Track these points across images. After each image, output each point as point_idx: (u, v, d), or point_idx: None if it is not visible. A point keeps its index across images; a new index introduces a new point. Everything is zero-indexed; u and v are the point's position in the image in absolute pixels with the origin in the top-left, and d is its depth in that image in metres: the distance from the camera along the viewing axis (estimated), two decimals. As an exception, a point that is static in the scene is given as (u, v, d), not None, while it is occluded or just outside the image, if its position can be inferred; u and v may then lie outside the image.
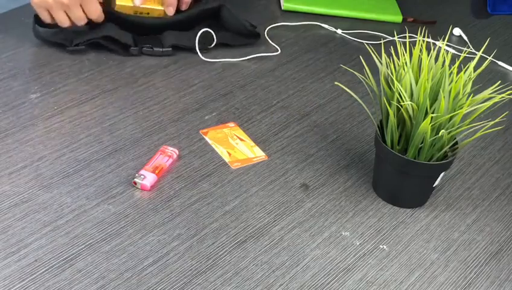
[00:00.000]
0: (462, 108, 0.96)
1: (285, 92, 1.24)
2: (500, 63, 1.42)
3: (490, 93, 0.98)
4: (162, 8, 1.26)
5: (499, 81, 1.03)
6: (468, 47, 1.44)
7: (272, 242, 0.96)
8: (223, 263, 0.91)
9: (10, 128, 1.06)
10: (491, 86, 0.99)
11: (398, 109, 0.98)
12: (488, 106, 0.98)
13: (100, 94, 1.16)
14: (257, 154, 1.10)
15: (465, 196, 1.09)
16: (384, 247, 0.98)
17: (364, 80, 1.03)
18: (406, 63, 0.98)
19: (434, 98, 0.97)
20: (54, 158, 1.02)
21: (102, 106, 1.13)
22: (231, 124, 1.15)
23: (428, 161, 0.99)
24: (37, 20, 1.21)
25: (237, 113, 1.17)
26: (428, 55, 0.98)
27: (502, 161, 1.17)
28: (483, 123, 0.99)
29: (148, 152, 1.06)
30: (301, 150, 1.12)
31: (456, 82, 0.96)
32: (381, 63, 1.01)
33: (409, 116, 0.97)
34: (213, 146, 1.09)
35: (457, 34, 1.49)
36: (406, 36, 1.21)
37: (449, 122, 0.97)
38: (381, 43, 1.31)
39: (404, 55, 0.99)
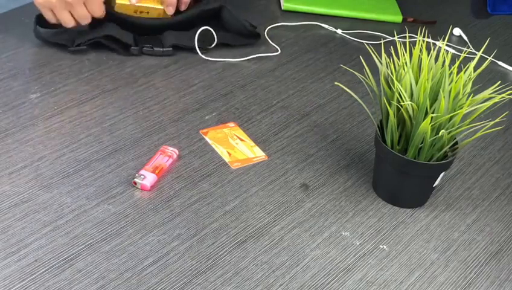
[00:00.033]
0: (462, 108, 0.96)
1: (285, 92, 1.24)
2: (500, 63, 1.42)
3: (490, 93, 0.98)
4: (162, 7, 1.26)
5: (499, 81, 1.03)
6: (468, 47, 1.44)
7: (272, 242, 0.96)
8: (223, 263, 0.91)
9: (10, 128, 1.06)
10: (491, 86, 0.99)
11: (398, 109, 0.98)
12: (488, 106, 0.98)
13: (100, 94, 1.16)
14: (257, 154, 1.10)
15: (465, 196, 1.09)
16: (384, 247, 0.98)
17: (364, 80, 1.03)
18: (406, 63, 0.98)
19: (434, 98, 0.97)
20: (54, 158, 1.02)
21: (102, 106, 1.13)
22: (231, 124, 1.15)
23: (428, 161, 0.99)
24: (38, 20, 1.21)
25: (237, 113, 1.17)
26: (428, 55, 0.98)
27: (502, 161, 1.17)
28: (483, 123, 0.99)
29: (148, 152, 1.06)
30: (301, 150, 1.12)
31: (456, 82, 0.96)
32: (381, 63, 1.01)
33: (409, 116, 0.97)
34: (213, 146, 1.09)
35: (457, 34, 1.49)
36: (406, 36, 1.21)
37: (449, 122, 0.97)
38: (381, 43, 1.31)
39: (404, 55, 0.99)
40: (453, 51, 1.29)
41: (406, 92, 0.96)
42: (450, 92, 0.95)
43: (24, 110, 1.10)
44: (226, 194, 1.01)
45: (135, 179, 0.99)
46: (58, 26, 1.21)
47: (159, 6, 1.26)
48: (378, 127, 1.02)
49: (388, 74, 1.00)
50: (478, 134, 0.99)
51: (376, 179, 1.06)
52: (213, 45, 1.29)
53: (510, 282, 0.96)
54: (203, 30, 1.27)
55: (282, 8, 1.48)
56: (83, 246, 0.90)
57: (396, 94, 0.97)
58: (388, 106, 0.98)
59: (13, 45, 1.23)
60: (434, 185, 1.03)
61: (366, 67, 1.03)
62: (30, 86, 1.15)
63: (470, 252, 0.99)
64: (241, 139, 1.12)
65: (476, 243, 1.01)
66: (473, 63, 0.99)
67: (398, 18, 1.50)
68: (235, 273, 0.90)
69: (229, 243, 0.94)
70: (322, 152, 1.12)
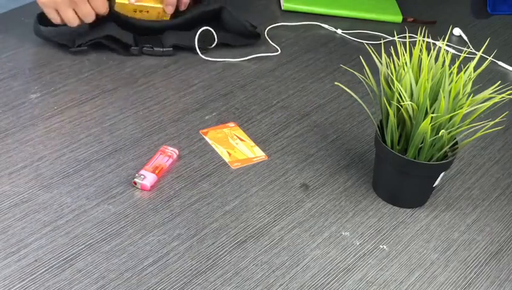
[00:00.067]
0: (462, 108, 0.96)
1: (285, 92, 1.24)
2: (500, 63, 1.42)
3: (490, 93, 0.98)
4: (161, 6, 1.26)
5: (499, 81, 1.03)
6: (468, 47, 1.44)
7: (272, 242, 0.96)
8: (223, 263, 0.91)
9: (10, 128, 1.06)
10: (491, 86, 0.99)
11: (398, 109, 0.98)
12: (488, 106, 0.98)
13: (100, 94, 1.16)
14: (257, 154, 1.10)
15: (465, 196, 1.09)
16: (384, 247, 0.98)
17: (364, 80, 1.03)
18: (406, 63, 0.98)
19: (434, 98, 0.97)
20: (54, 158, 1.02)
21: (102, 106, 1.13)
22: (231, 124, 1.15)
23: (428, 161, 0.99)
24: (40, 19, 1.21)
25: (237, 113, 1.17)
26: (428, 55, 0.98)
27: (502, 161, 1.17)
28: (483, 123, 0.99)
29: (148, 152, 1.06)
30: (301, 150, 1.12)
31: (456, 82, 0.96)
32: (381, 63, 1.01)
33: (409, 116, 0.97)
34: (213, 146, 1.09)
35: (457, 34, 1.49)
36: (406, 36, 1.21)
37: (449, 122, 0.97)
38: (381, 43, 1.31)
39: (404, 55, 0.99)
40: (453, 51, 1.29)
41: (406, 92, 0.96)
42: (450, 92, 0.95)
43: (24, 110, 1.10)
44: (226, 194, 1.01)
45: (135, 179, 0.99)
46: (60, 26, 1.21)
47: (159, 5, 1.26)
48: (378, 127, 1.02)
49: (388, 74, 1.00)
50: (478, 134, 0.99)
51: (376, 179, 1.06)
52: (213, 45, 1.29)
53: (510, 282, 0.96)
54: (203, 30, 1.27)
55: (282, 8, 1.48)
56: (83, 246, 0.90)
57: (396, 94, 0.97)
58: (388, 106, 0.98)
59: (13, 45, 1.23)
60: (434, 185, 1.03)
61: (366, 67, 1.03)
62: (30, 86, 1.15)
63: (470, 252, 0.99)
64: (241, 139, 1.12)
65: (476, 243, 1.01)
66: (473, 63, 0.99)
67: (398, 18, 1.50)
68: (235, 273, 0.90)
69: (229, 243, 0.94)
70: (322, 152, 1.12)
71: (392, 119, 0.98)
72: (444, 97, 0.94)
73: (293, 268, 0.92)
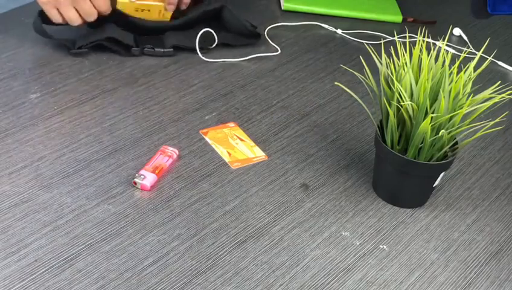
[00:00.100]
0: (462, 108, 0.96)
1: (285, 92, 1.24)
2: (500, 63, 1.42)
3: (490, 93, 0.98)
4: (162, 4, 1.26)
5: (499, 81, 1.03)
6: (468, 47, 1.44)
7: (272, 242, 0.96)
8: (223, 263, 0.91)
9: (10, 128, 1.06)
10: (491, 86, 0.99)
11: (398, 109, 0.98)
12: (488, 106, 0.98)
13: (100, 94, 1.16)
14: (257, 154, 1.10)
15: (465, 196, 1.09)
16: (384, 247, 0.98)
17: (364, 80, 1.03)
18: (406, 63, 0.98)
19: (434, 98, 0.97)
20: (54, 158, 1.02)
21: (102, 106, 1.14)
22: (231, 124, 1.15)
23: (428, 161, 0.99)
24: (42, 17, 1.20)
25: (237, 113, 1.17)
26: (428, 55, 0.98)
27: (502, 161, 1.17)
28: (483, 123, 0.99)
29: (148, 152, 1.06)
30: (301, 150, 1.12)
31: (456, 82, 0.96)
32: (381, 63, 1.01)
33: (409, 116, 0.97)
34: (213, 146, 1.09)
35: (457, 34, 1.49)
36: (406, 36, 1.21)
37: (449, 122, 0.97)
38: (381, 43, 1.31)
39: (404, 55, 0.99)
40: (453, 51, 1.29)
41: (406, 92, 0.96)
42: (450, 92, 0.95)
43: (24, 110, 1.10)
44: (226, 194, 1.01)
45: (135, 179, 0.99)
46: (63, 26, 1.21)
47: (159, 3, 1.26)
48: (378, 127, 1.02)
49: (388, 74, 1.00)
50: (478, 134, 0.99)
51: (376, 179, 1.06)
52: (214, 45, 1.29)
53: (510, 282, 0.96)
54: (203, 31, 1.27)
55: (282, 8, 1.48)
56: (83, 246, 0.90)
57: (396, 94, 0.97)
58: (388, 106, 0.98)
59: (13, 45, 1.23)
60: (434, 185, 1.03)
61: (366, 67, 1.03)
62: (30, 86, 1.15)
63: (470, 252, 0.99)
64: (241, 139, 1.12)
65: (476, 243, 1.01)
66: (473, 63, 0.99)
67: (398, 18, 1.50)
68: (235, 273, 0.90)
69: (229, 243, 0.94)
70: (322, 152, 1.12)
71: (392, 119, 0.98)
72: (444, 97, 0.94)
73: (293, 268, 0.92)
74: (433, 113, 0.95)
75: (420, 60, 0.99)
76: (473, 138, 1.00)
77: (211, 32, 1.27)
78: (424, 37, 1.03)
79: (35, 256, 0.88)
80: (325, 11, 1.49)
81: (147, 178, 1.00)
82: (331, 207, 1.03)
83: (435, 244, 1.00)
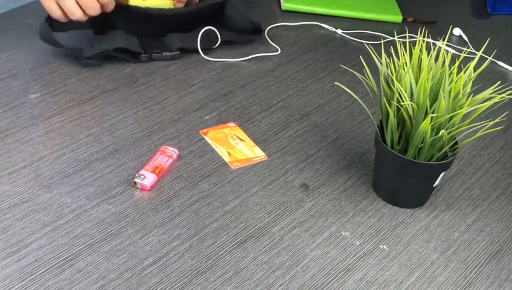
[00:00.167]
0: (462, 108, 0.96)
1: (285, 92, 1.24)
2: (500, 63, 1.42)
3: (490, 93, 0.98)
4: (172, 1, 1.26)
5: (499, 81, 1.03)
6: (468, 47, 1.44)
7: (272, 242, 0.96)
8: (223, 263, 0.91)
9: (10, 128, 1.06)
10: (491, 86, 0.99)
11: (398, 109, 0.98)
12: (488, 106, 0.98)
13: (100, 94, 1.16)
14: (257, 154, 1.10)
15: (465, 196, 1.09)
16: (384, 247, 0.98)
17: (364, 80, 1.03)
18: (406, 63, 0.98)
19: (434, 98, 0.97)
20: (54, 158, 1.02)
21: (102, 106, 1.13)
22: (231, 124, 1.15)
23: (428, 161, 0.99)
24: (51, 24, 1.18)
25: (237, 113, 1.17)
26: (428, 55, 0.98)
27: (502, 161, 1.17)
28: (483, 123, 0.99)
29: (148, 152, 1.06)
30: (301, 150, 1.12)
31: (456, 82, 0.96)
32: (381, 63, 1.01)
33: (409, 116, 0.97)
34: (213, 146, 1.09)
35: (457, 34, 1.49)
36: (406, 36, 1.21)
37: (449, 122, 0.97)
38: (381, 43, 1.31)
39: (404, 55, 0.99)
40: (453, 51, 1.29)
41: (406, 92, 0.96)
42: (450, 92, 0.95)
43: (24, 110, 1.10)
44: (226, 194, 1.01)
45: (135, 179, 0.99)
46: (67, 27, 1.20)
47: (169, 2, 1.26)
48: (378, 127, 1.02)
49: (388, 74, 1.00)
50: (478, 134, 0.99)
51: (376, 179, 1.06)
52: (217, 44, 1.28)
53: (510, 282, 0.96)
54: (206, 30, 1.27)
55: (282, 8, 1.48)
56: (83, 246, 0.90)
57: (396, 94, 0.97)
58: (388, 106, 0.98)
59: (13, 45, 1.23)
60: (434, 185, 1.03)
61: (366, 67, 1.03)
62: (30, 86, 1.15)
63: (470, 252, 0.99)
64: (241, 139, 1.12)
65: (476, 243, 1.01)
66: (473, 63, 0.99)
67: (398, 18, 1.50)
68: (235, 273, 0.90)
69: (229, 243, 0.94)
70: (322, 152, 1.12)
71: (392, 119, 0.98)
72: (444, 97, 0.94)
73: (293, 268, 0.92)
74: (433, 113, 0.95)
75: (420, 60, 0.99)
76: (473, 138, 1.00)
77: (213, 31, 1.27)
78: (424, 37, 1.03)
79: (35, 256, 0.88)
80: (325, 11, 1.49)
81: (147, 178, 1.00)
82: (331, 207, 1.03)
83: (435, 244, 1.00)
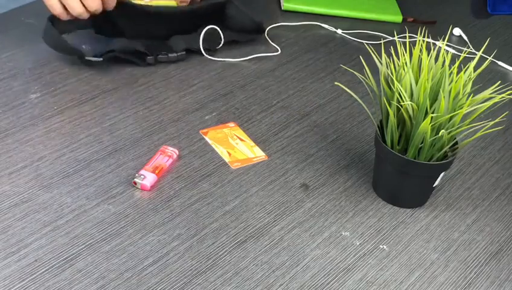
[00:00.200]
0: (462, 108, 0.96)
1: (285, 92, 1.24)
2: (500, 63, 1.42)
3: (490, 93, 0.98)
4: (175, 3, 1.26)
5: (499, 81, 1.03)
6: (468, 47, 1.44)
7: (272, 242, 0.96)
8: (223, 263, 0.91)
9: (10, 128, 1.06)
10: (491, 86, 0.99)
11: (398, 109, 0.98)
12: (488, 106, 0.98)
13: (100, 94, 1.16)
14: (257, 154, 1.10)
15: (465, 196, 1.09)
16: (384, 247, 0.98)
17: (364, 80, 1.03)
18: (406, 63, 0.98)
19: (434, 98, 0.97)
20: (54, 158, 1.02)
21: (102, 106, 1.13)
22: (231, 124, 1.15)
23: (428, 161, 0.99)
24: (56, 26, 1.17)
25: (237, 113, 1.17)
26: (428, 55, 0.98)
27: (502, 161, 1.17)
28: (483, 123, 0.99)
29: (148, 152, 1.06)
30: (301, 150, 1.12)
31: (456, 82, 0.96)
32: (381, 63, 1.01)
33: (409, 116, 0.97)
34: (213, 146, 1.09)
35: (457, 34, 1.49)
36: (406, 36, 1.21)
37: (449, 122, 0.97)
38: (381, 43, 1.31)
39: (404, 55, 0.99)
40: (453, 51, 1.29)
41: (406, 92, 0.96)
42: (450, 92, 0.95)
43: (24, 110, 1.10)
44: (226, 194, 1.01)
45: (135, 179, 0.99)
46: (68, 29, 1.19)
47: (172, 2, 1.26)
48: (378, 127, 1.02)
49: (388, 74, 1.00)
50: (478, 134, 0.99)
51: (376, 179, 1.06)
52: (221, 45, 1.28)
53: (510, 282, 0.96)
54: (208, 31, 1.26)
55: (282, 8, 1.48)
56: (83, 246, 0.90)
57: (396, 94, 0.97)
58: (388, 106, 0.98)
59: (13, 45, 1.23)
60: (434, 185, 1.03)
61: (366, 67, 1.03)
62: (30, 86, 1.15)
63: (470, 252, 0.99)
64: (241, 139, 1.12)
65: (476, 243, 1.01)
66: (473, 63, 0.99)
67: (398, 18, 1.50)
68: (235, 273, 0.90)
69: (229, 243, 0.94)
70: (322, 152, 1.12)
71: (392, 119, 0.98)
72: (444, 97, 0.94)
73: (293, 268, 0.92)
74: (433, 113, 0.95)
75: (420, 60, 0.99)
76: (473, 138, 1.00)
77: (216, 32, 1.27)
78: (424, 37, 1.03)
79: (35, 256, 0.88)
80: (325, 11, 1.49)
81: (147, 178, 1.00)
82: (331, 207, 1.03)
83: (435, 244, 1.00)
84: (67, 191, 0.97)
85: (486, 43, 1.12)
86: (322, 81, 1.29)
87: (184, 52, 1.25)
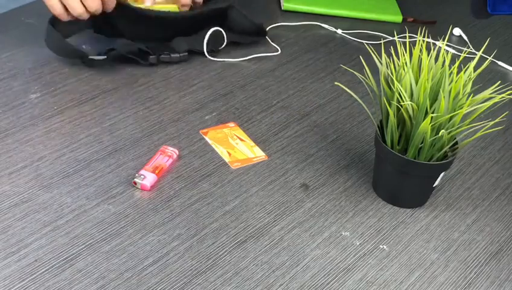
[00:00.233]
0: (462, 108, 0.96)
1: (285, 92, 1.24)
2: (500, 63, 1.42)
3: (490, 93, 0.98)
4: (176, 7, 1.26)
5: (499, 81, 1.03)
6: (468, 47, 1.44)
7: (272, 242, 0.96)
8: (223, 263, 0.91)
9: (10, 128, 1.06)
10: (491, 86, 0.99)
11: (398, 109, 0.98)
12: (488, 106, 0.98)
13: (100, 94, 1.16)
14: (257, 154, 1.10)
15: (465, 196, 1.09)
16: (384, 247, 0.98)
17: (364, 80, 1.03)
18: (406, 63, 0.98)
19: (434, 98, 0.97)
20: (54, 158, 1.02)
21: (102, 106, 1.13)
22: (231, 124, 1.15)
23: (428, 161, 0.99)
24: (54, 26, 1.17)
25: (237, 113, 1.17)
26: (428, 55, 0.98)
27: (502, 161, 1.17)
28: (483, 123, 0.99)
29: (148, 152, 1.06)
30: (301, 150, 1.12)
31: (456, 82, 0.96)
32: (381, 63, 1.01)
33: (409, 116, 0.97)
34: (213, 146, 1.09)
35: (457, 34, 1.49)
36: (406, 36, 1.21)
37: (449, 122, 0.97)
38: (381, 43, 1.31)
39: (404, 55, 0.99)
40: (453, 51, 1.29)
41: (406, 92, 0.96)
42: (450, 92, 0.95)
43: (24, 110, 1.10)
44: (226, 194, 1.01)
45: (135, 179, 0.99)
46: (69, 31, 1.19)
47: (174, 6, 1.26)
48: (378, 127, 1.02)
49: (388, 74, 1.00)
50: (478, 134, 0.99)
51: (376, 179, 1.06)
52: (224, 45, 1.28)
53: (510, 282, 0.96)
54: (211, 32, 1.26)
55: (282, 8, 1.48)
56: (83, 246, 0.90)
57: (396, 94, 0.97)
58: (388, 106, 0.98)
59: (13, 45, 1.23)
60: (434, 185, 1.03)
61: (366, 67, 1.03)
62: (30, 86, 1.15)
63: (470, 252, 0.99)
64: (241, 139, 1.12)
65: (476, 243, 1.01)
66: (473, 63, 0.99)
67: (398, 18, 1.50)
68: (235, 273, 0.90)
69: (229, 243, 0.94)
70: (322, 152, 1.12)
71: (392, 119, 0.98)
72: (444, 97, 0.94)
73: (293, 268, 0.92)
74: (433, 113, 0.95)
75: (420, 60, 0.99)
76: (473, 138, 1.00)
77: (219, 32, 1.27)
78: (424, 37, 1.03)
79: (35, 256, 0.88)
80: (325, 11, 1.49)
81: (147, 178, 1.00)
82: (331, 207, 1.03)
83: (435, 244, 1.00)
84: (67, 191, 0.97)
85: (486, 43, 1.12)
86: (322, 81, 1.29)
87: (186, 53, 1.25)
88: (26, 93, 1.13)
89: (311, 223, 0.99)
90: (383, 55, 1.01)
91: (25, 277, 0.85)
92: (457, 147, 1.01)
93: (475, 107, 0.96)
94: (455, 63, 0.98)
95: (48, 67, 1.19)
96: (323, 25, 1.45)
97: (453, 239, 1.01)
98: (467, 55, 1.32)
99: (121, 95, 1.16)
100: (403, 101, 0.96)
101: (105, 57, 1.19)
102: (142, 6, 1.24)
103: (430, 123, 0.94)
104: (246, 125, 1.15)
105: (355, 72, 1.06)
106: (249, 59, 1.30)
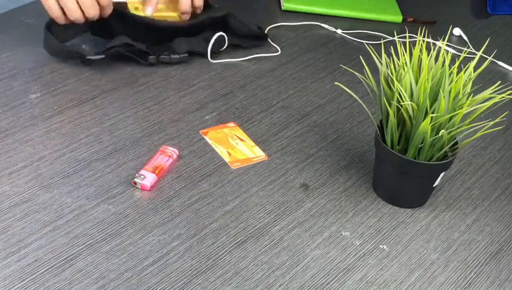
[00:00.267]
0: (462, 108, 0.96)
1: (285, 92, 1.24)
2: (500, 63, 1.42)
3: (490, 93, 0.98)
4: (177, 15, 1.26)
5: (499, 81, 1.03)
6: (468, 47, 1.44)
7: (272, 242, 0.96)
8: (223, 263, 0.91)
9: (10, 128, 1.06)
10: (491, 86, 0.99)
11: (398, 109, 0.98)
12: (488, 106, 0.98)
13: (100, 94, 1.16)
14: (257, 154, 1.10)
15: (465, 196, 1.09)
16: (384, 247, 0.98)
17: (364, 80, 1.03)
18: (406, 63, 0.98)
19: (434, 98, 0.97)
20: (54, 158, 1.02)
21: (102, 106, 1.14)
22: (231, 124, 1.15)
23: (428, 161, 0.99)
24: (52, 32, 1.18)
25: (237, 113, 1.17)
26: (428, 55, 0.98)
27: (502, 161, 1.17)
28: (483, 123, 0.99)
29: (148, 152, 1.06)
30: (301, 150, 1.12)
31: (456, 82, 0.96)
32: (381, 63, 1.01)
33: (409, 116, 0.97)
34: (213, 146, 1.09)
35: (457, 34, 1.49)
36: (406, 36, 1.21)
37: (449, 122, 0.97)
38: (381, 43, 1.31)
39: (404, 55, 0.99)
40: (453, 51, 1.29)
41: (406, 92, 0.96)
42: (450, 92, 0.95)
43: (24, 110, 1.10)
44: (226, 194, 1.01)
45: (135, 179, 0.99)
46: (67, 33, 1.19)
47: (174, 14, 1.26)
48: (378, 127, 1.02)
49: (388, 74, 1.00)
50: (478, 134, 0.99)
51: (376, 179, 1.06)
52: (224, 47, 1.28)
53: (510, 282, 0.96)
54: (212, 34, 1.26)
55: (282, 8, 1.48)
56: (83, 246, 0.90)
57: (396, 94, 0.97)
58: (388, 106, 0.98)
59: (13, 45, 1.23)
60: (434, 185, 1.03)
61: (366, 67, 1.03)
62: (30, 86, 1.15)
63: (470, 252, 0.99)
64: (241, 139, 1.12)
65: (476, 243, 1.01)
66: (473, 63, 0.99)
67: (398, 18, 1.50)
68: (235, 273, 0.90)
69: (229, 243, 0.94)
70: (322, 152, 1.12)
71: (392, 119, 0.98)
72: (444, 97, 0.94)
73: (293, 268, 0.92)
74: (433, 113, 0.95)
75: (420, 60, 0.99)
76: (473, 138, 1.00)
77: (221, 35, 1.27)
78: (424, 37, 1.03)
79: (35, 256, 0.88)
80: (325, 11, 1.49)
81: (147, 178, 1.00)
82: (331, 207, 1.03)
83: (435, 244, 1.00)
84: (67, 191, 0.97)
85: (486, 43, 1.12)
86: (322, 81, 1.29)
87: (187, 55, 1.25)
88: (26, 93, 1.13)
89: (311, 223, 0.99)
90: (383, 55, 1.01)
91: (25, 277, 0.85)
92: (457, 147, 1.01)
93: (475, 107, 0.96)
94: (455, 63, 0.98)
95: (47, 67, 1.19)
96: (323, 25, 1.45)
97: (453, 239, 1.01)
98: (467, 55, 1.32)
99: (121, 95, 1.16)
100: (403, 101, 0.96)
101: (104, 56, 1.18)
102: (142, 14, 1.24)
103: (430, 123, 0.94)
104: (246, 125, 1.15)
105: (355, 72, 1.06)
106: (249, 59, 1.30)
